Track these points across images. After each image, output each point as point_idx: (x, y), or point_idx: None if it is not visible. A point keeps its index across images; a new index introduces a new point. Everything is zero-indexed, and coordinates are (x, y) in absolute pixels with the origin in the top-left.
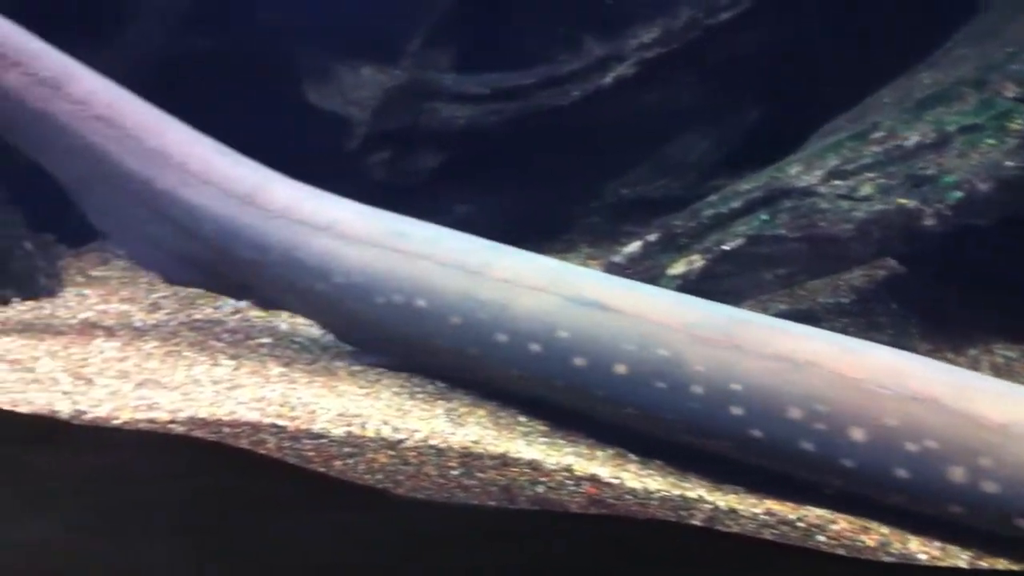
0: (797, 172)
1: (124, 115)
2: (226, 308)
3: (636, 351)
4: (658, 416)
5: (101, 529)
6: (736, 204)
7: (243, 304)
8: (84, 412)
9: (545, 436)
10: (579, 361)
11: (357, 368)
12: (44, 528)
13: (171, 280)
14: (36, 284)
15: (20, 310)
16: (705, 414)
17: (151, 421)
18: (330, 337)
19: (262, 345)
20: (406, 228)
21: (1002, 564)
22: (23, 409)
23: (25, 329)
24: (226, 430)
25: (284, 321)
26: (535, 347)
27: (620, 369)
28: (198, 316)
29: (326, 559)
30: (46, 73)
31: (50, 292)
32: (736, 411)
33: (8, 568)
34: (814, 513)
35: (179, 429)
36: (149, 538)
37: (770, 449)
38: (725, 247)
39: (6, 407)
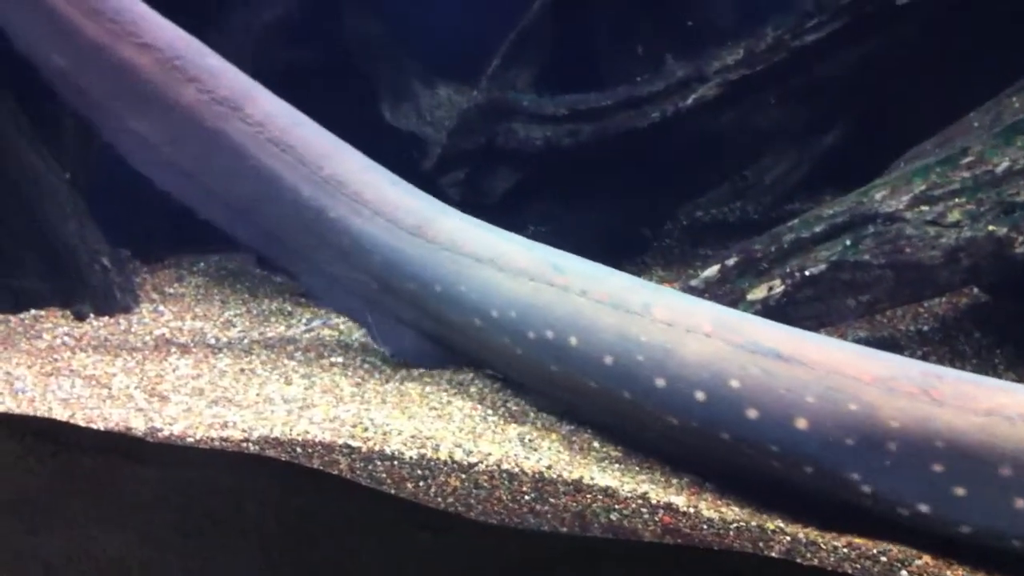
0: (882, 197)
1: (300, 140)
2: (298, 326)
3: (819, 404)
4: (843, 475)
5: (176, 545)
6: (819, 228)
7: (317, 323)
8: (159, 429)
9: (619, 463)
10: (752, 413)
11: (430, 390)
12: (120, 543)
13: (336, 309)
14: (113, 300)
15: (96, 326)
16: (901, 473)
17: (225, 439)
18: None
19: (334, 364)
20: (565, 263)
21: None
22: (98, 425)
23: (101, 345)
24: (299, 450)
25: (357, 340)
26: (700, 395)
27: (800, 424)
28: (271, 334)
29: None
30: (223, 92)
31: (126, 308)
32: (937, 468)
33: None
34: (896, 548)
35: (252, 448)
36: (223, 555)
37: (976, 511)
38: (807, 272)
39: (82, 423)
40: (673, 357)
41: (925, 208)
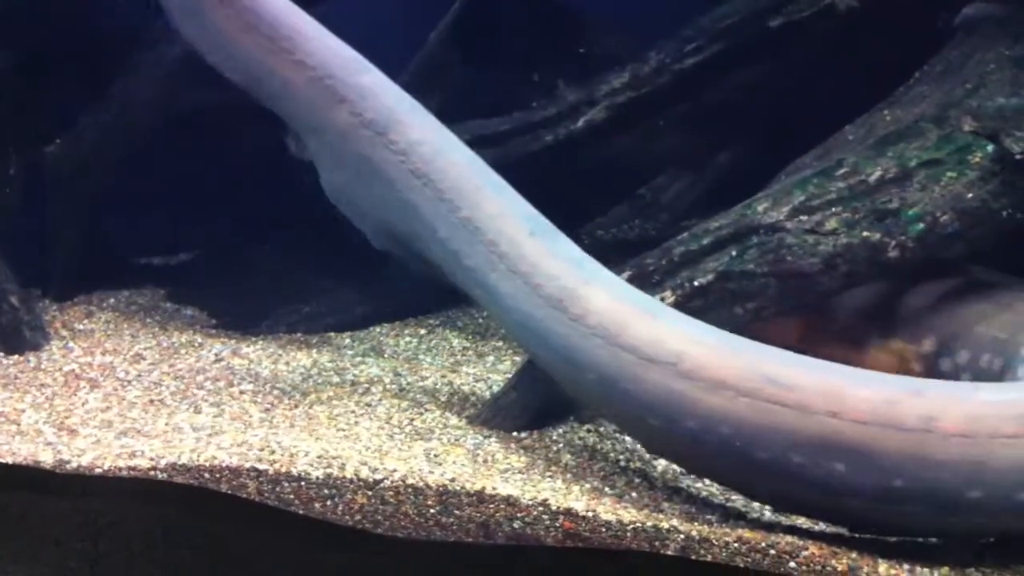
0: (764, 209)
1: (441, 173)
2: (208, 356)
3: None
4: None
5: (84, 575)
6: (706, 241)
7: (226, 351)
8: (67, 461)
9: (521, 473)
10: None
11: (338, 412)
12: (30, 574)
13: None
14: (22, 339)
15: (5, 364)
16: None
17: (133, 468)
18: (310, 382)
19: (244, 392)
20: (781, 372)
21: None
22: (7, 460)
23: (10, 383)
24: (207, 475)
25: (266, 368)
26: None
27: None
28: (181, 365)
29: None
30: (371, 115)
31: (36, 346)
32: None
33: None
34: (784, 541)
35: (161, 475)
36: None
37: None
38: (696, 283)
39: None
40: (983, 470)
41: (804, 218)
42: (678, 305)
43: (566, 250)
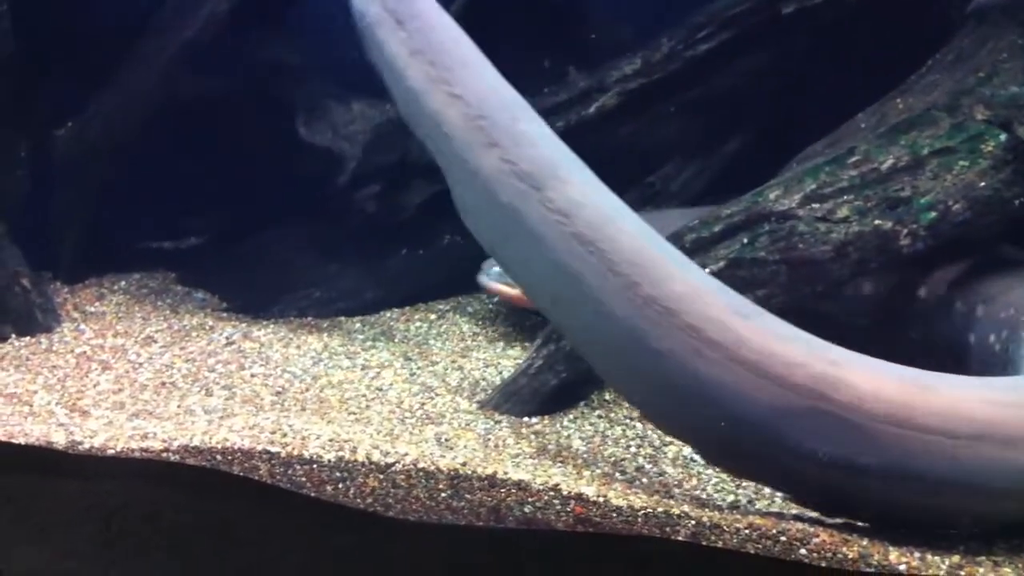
0: (776, 196)
1: (612, 241)
2: (219, 339)
3: None
4: None
5: (96, 557)
6: (717, 228)
7: (236, 335)
8: (79, 443)
9: (532, 458)
10: None
11: (349, 395)
12: (40, 558)
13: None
14: (34, 321)
15: (17, 346)
16: None
17: (145, 450)
18: (321, 366)
19: (255, 375)
20: None
21: (981, 572)
22: (19, 441)
23: (22, 364)
24: (219, 457)
25: (277, 351)
26: None
27: None
28: (192, 348)
29: None
30: (527, 166)
31: (47, 328)
32: None
33: None
34: (795, 527)
35: (173, 457)
36: (143, 566)
37: None
38: (707, 270)
39: (2, 439)
40: None
41: (816, 206)
42: None
43: (784, 329)
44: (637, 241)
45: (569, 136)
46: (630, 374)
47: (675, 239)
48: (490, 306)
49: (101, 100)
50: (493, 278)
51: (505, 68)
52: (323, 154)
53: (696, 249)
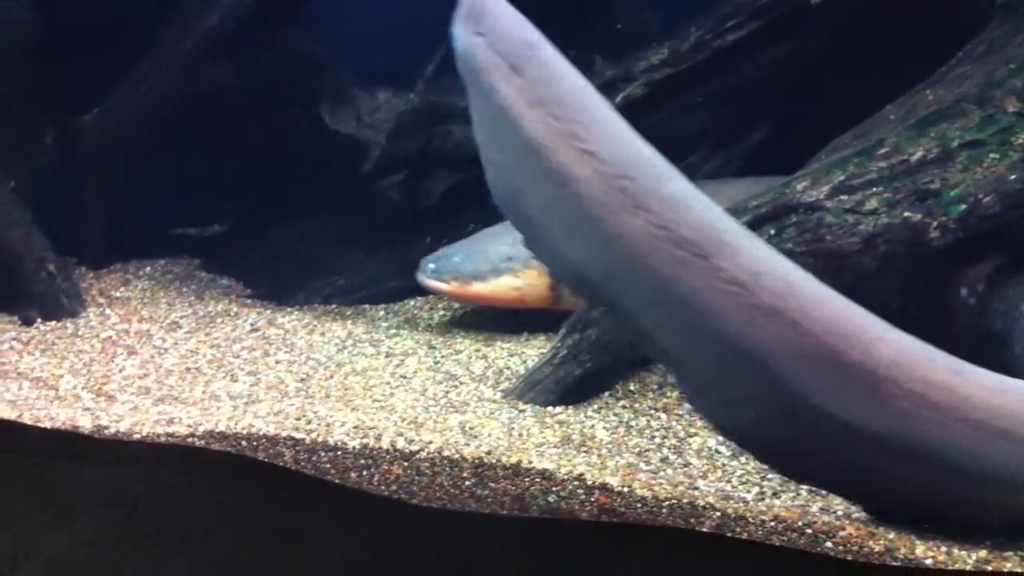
0: (804, 188)
1: (808, 314)
2: (244, 326)
3: None
4: None
5: (122, 542)
6: (744, 219)
7: (261, 321)
8: (105, 427)
9: (556, 447)
10: None
11: (374, 383)
12: (66, 541)
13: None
14: (59, 305)
15: (43, 330)
16: None
17: (171, 435)
18: (345, 353)
19: (280, 362)
20: None
21: (1008, 567)
22: (46, 425)
23: (48, 349)
24: (244, 443)
25: (301, 338)
26: None
27: None
28: (217, 334)
29: (342, 566)
30: (685, 232)
31: (73, 313)
32: None
33: None
34: (821, 520)
35: (198, 443)
36: (168, 551)
37: None
38: None
39: (29, 423)
40: None
41: (844, 197)
42: None
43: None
44: (830, 306)
45: None
46: (833, 463)
47: None
48: None
49: (126, 88)
50: (428, 275)
51: None
52: (347, 142)
53: None
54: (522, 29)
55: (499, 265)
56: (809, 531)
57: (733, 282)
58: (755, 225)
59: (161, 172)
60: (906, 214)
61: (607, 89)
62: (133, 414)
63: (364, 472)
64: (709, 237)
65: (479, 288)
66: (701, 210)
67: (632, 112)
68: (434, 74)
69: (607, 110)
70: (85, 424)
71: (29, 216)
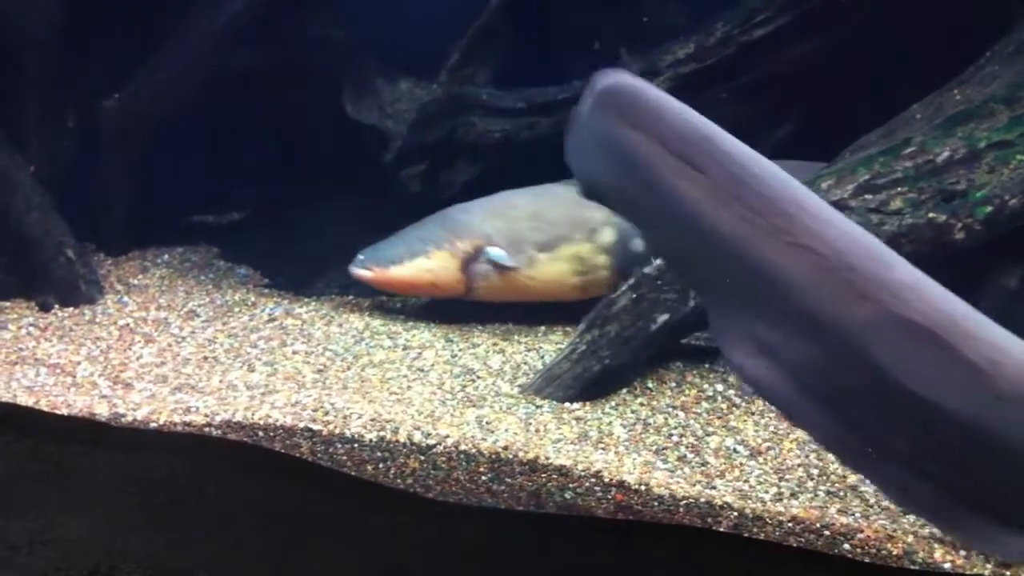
0: (828, 186)
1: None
2: (261, 315)
3: None
4: None
5: (139, 528)
6: None
7: (279, 311)
8: (123, 415)
9: (573, 444)
10: None
11: (391, 375)
12: (84, 527)
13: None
14: (77, 291)
15: (61, 316)
16: None
17: (188, 424)
18: (363, 345)
19: (297, 352)
20: None
21: None
22: (63, 412)
23: (65, 335)
24: (261, 434)
25: (319, 329)
26: None
27: None
28: (234, 323)
29: (356, 558)
30: (919, 319)
31: (91, 299)
32: None
33: (50, 563)
34: (839, 522)
35: (215, 432)
36: (186, 538)
37: None
38: None
39: (46, 410)
40: None
41: (869, 196)
42: None
43: None
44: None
45: None
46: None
47: None
48: None
49: (148, 72)
50: (356, 265)
51: (555, 51)
52: (369, 131)
53: None
54: (693, 123)
55: (414, 248)
56: (827, 533)
57: (972, 369)
58: None
59: (180, 158)
60: (931, 215)
61: None
62: (150, 402)
63: (380, 465)
64: (944, 324)
65: (397, 272)
66: (933, 296)
67: None
68: (457, 65)
69: (807, 194)
70: (102, 411)
71: (49, 201)
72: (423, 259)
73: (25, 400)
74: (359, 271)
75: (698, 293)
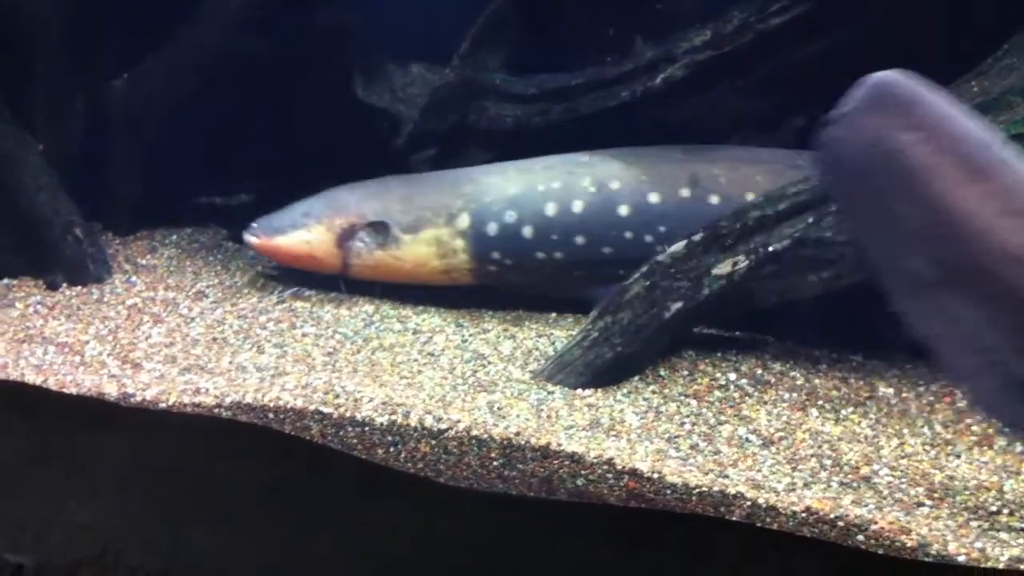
0: None
1: None
2: (270, 297)
3: None
4: None
5: (149, 509)
6: (782, 207)
7: (287, 293)
8: (131, 395)
9: (585, 431)
10: None
11: (401, 359)
12: (93, 507)
13: None
14: (85, 271)
15: (68, 295)
16: None
17: (197, 405)
18: (372, 328)
19: (306, 335)
20: None
21: None
22: (71, 391)
23: (73, 314)
24: (271, 416)
25: (328, 311)
26: None
27: None
28: (243, 305)
29: (366, 543)
30: None
31: (98, 279)
32: None
33: (58, 546)
34: (853, 513)
35: (225, 414)
36: (195, 520)
37: None
38: (770, 248)
39: (55, 388)
40: None
41: None
42: (751, 271)
43: None
44: None
45: (633, 108)
46: None
47: (738, 217)
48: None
49: (160, 54)
50: (248, 232)
51: (568, 37)
52: (380, 115)
53: (759, 227)
54: (976, 126)
55: (297, 221)
56: (840, 524)
57: None
58: (794, 212)
59: (189, 141)
60: None
61: (648, 70)
62: (159, 383)
63: (391, 449)
64: None
65: (280, 241)
66: None
67: (672, 94)
68: (469, 50)
69: None
70: (111, 391)
71: (57, 180)
72: (303, 231)
73: (33, 378)
74: (249, 238)
75: (939, 329)
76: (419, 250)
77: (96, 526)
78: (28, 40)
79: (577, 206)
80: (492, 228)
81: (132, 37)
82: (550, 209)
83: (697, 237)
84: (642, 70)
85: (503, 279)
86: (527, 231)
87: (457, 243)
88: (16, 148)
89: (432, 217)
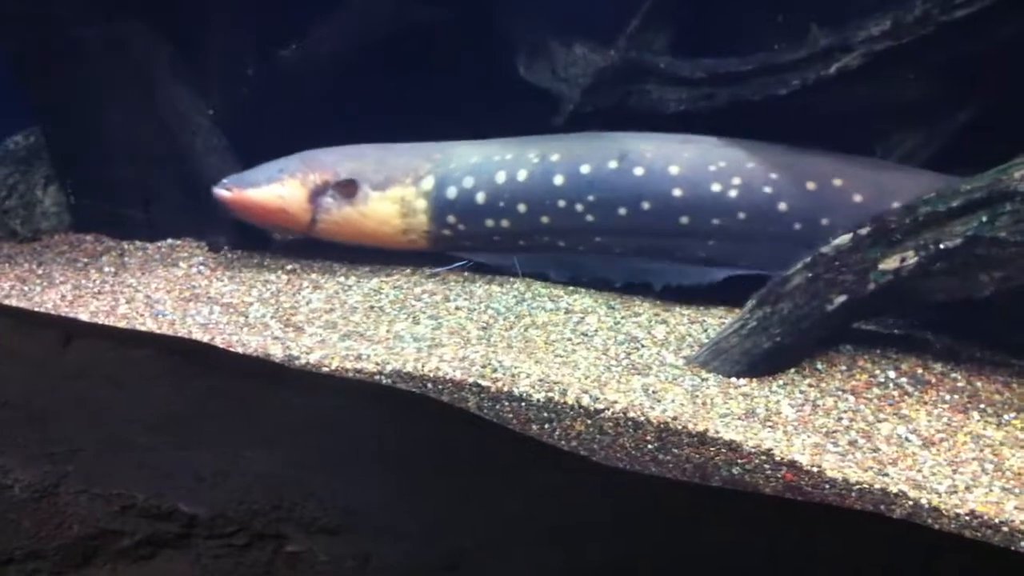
0: (1021, 176)
1: None
2: (424, 269)
3: None
4: None
5: (320, 467)
6: (955, 203)
7: (440, 268)
8: (296, 357)
9: (741, 420)
10: None
11: (555, 338)
12: (267, 462)
13: None
14: (247, 234)
15: (230, 257)
16: None
17: (359, 371)
18: (524, 305)
19: (460, 308)
20: None
21: None
22: (238, 350)
23: (236, 276)
24: (430, 385)
25: (480, 287)
26: None
27: None
28: (397, 275)
29: (524, 512)
30: None
31: (259, 243)
32: None
33: (234, 496)
34: (1019, 518)
35: (385, 380)
36: (363, 480)
37: None
38: (942, 246)
39: (223, 346)
40: None
41: None
42: (920, 267)
43: None
44: None
45: (804, 95)
46: None
47: (907, 212)
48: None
49: (331, 24)
50: (219, 186)
51: (737, 22)
52: (540, 94)
53: (930, 223)
54: None
55: (271, 175)
56: (1005, 528)
57: None
58: (967, 210)
59: (352, 110)
60: None
61: (822, 58)
62: (321, 347)
63: (546, 425)
64: None
65: (252, 194)
66: None
67: (844, 83)
68: (636, 31)
69: None
70: (276, 353)
71: (226, 143)
72: (277, 185)
73: (200, 336)
74: (220, 192)
75: None
76: (384, 208)
77: (272, 478)
78: (205, 7)
79: (521, 175)
80: (451, 192)
81: (305, 6)
82: (500, 177)
83: (864, 230)
84: (816, 58)
85: (456, 245)
86: (480, 197)
87: (419, 203)
88: (190, 110)
89: (401, 176)
